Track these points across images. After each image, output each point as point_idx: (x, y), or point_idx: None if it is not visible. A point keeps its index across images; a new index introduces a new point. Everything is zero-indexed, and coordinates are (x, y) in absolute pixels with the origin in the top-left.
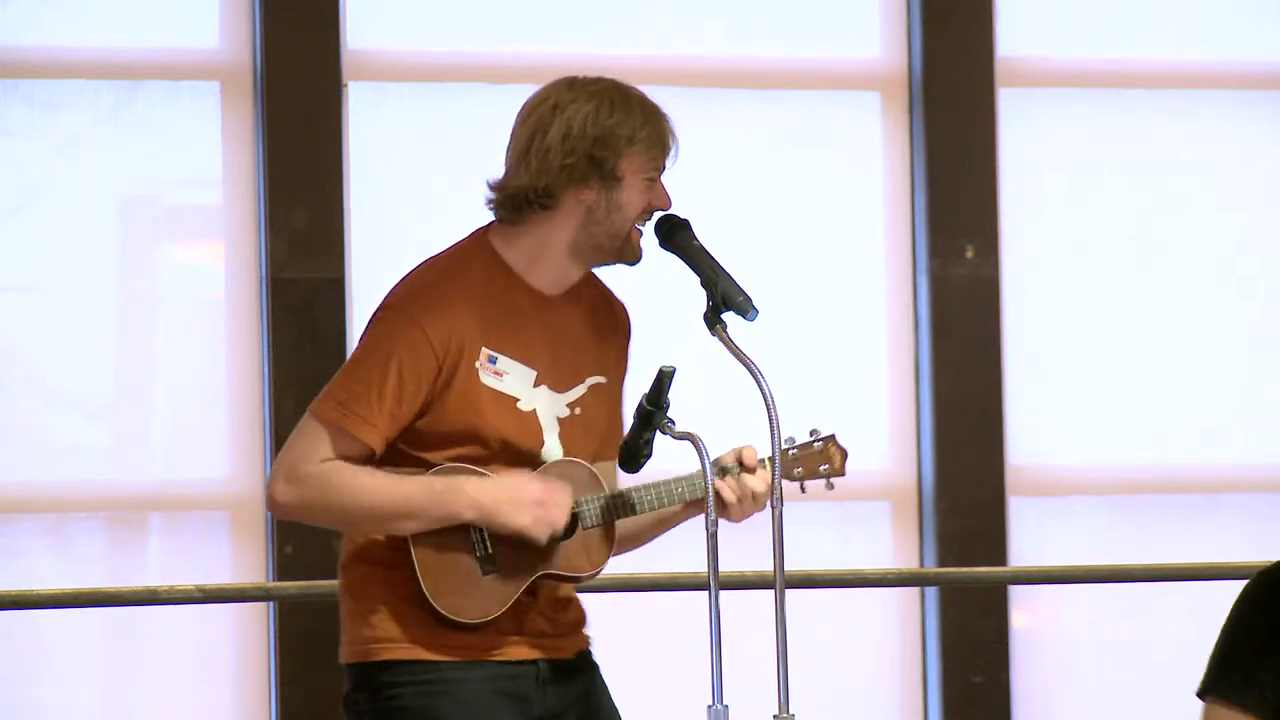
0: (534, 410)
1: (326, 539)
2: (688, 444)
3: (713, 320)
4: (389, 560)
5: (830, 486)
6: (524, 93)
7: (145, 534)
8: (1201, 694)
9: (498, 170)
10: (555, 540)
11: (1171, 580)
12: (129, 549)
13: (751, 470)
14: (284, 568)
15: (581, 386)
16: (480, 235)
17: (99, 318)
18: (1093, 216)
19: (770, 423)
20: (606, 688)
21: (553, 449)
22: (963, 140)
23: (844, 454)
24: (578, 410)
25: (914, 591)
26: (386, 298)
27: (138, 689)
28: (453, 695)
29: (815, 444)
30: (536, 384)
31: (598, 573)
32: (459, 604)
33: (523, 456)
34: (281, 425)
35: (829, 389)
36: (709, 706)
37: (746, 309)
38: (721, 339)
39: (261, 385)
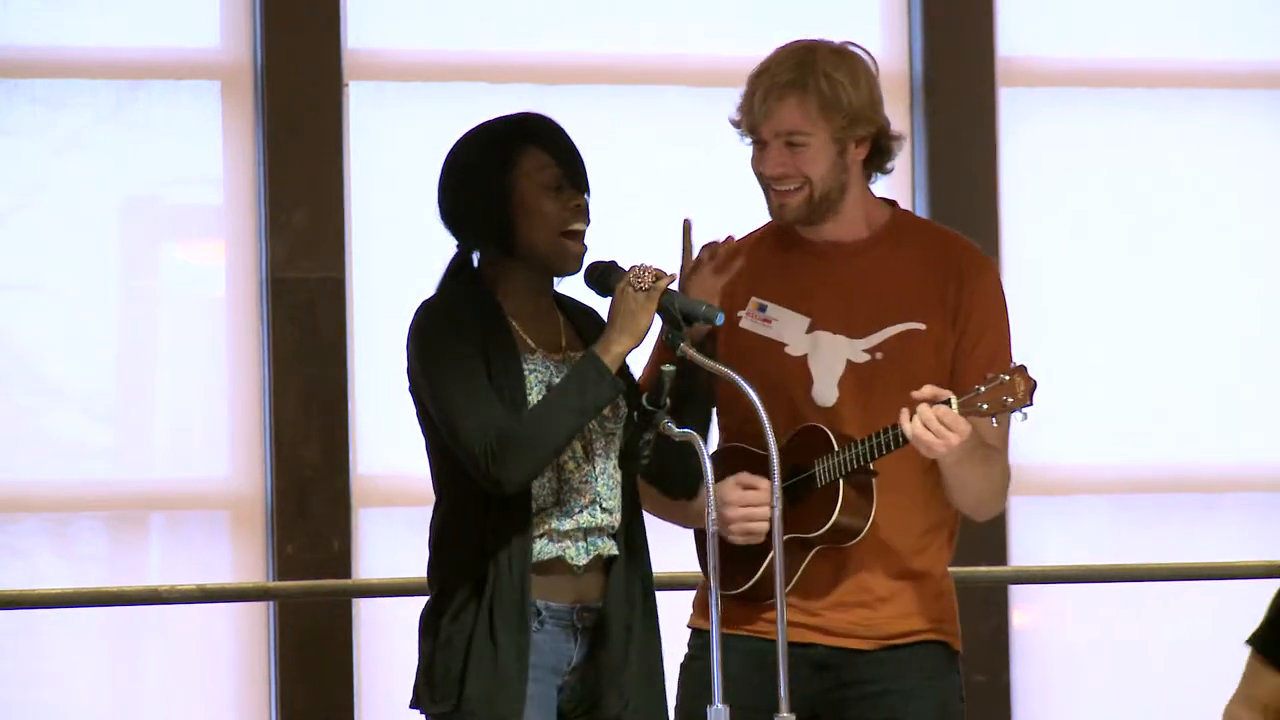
0: (804, 355)
1: (327, 538)
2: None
3: (674, 342)
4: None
5: (1023, 418)
6: (524, 92)
7: (146, 533)
8: (1249, 641)
9: None
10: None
11: (1171, 580)
12: (130, 548)
13: (928, 400)
14: (284, 568)
15: (884, 332)
16: None
17: (100, 317)
18: (1092, 216)
19: (763, 425)
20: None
21: (824, 394)
22: (963, 140)
23: (1030, 384)
24: (879, 355)
25: None
26: None
27: (138, 688)
28: (706, 660)
29: (1000, 378)
30: (811, 330)
31: (831, 530)
32: (724, 574)
33: (789, 403)
34: (281, 425)
35: None
36: (709, 707)
37: (712, 315)
38: (690, 357)
39: (262, 385)
